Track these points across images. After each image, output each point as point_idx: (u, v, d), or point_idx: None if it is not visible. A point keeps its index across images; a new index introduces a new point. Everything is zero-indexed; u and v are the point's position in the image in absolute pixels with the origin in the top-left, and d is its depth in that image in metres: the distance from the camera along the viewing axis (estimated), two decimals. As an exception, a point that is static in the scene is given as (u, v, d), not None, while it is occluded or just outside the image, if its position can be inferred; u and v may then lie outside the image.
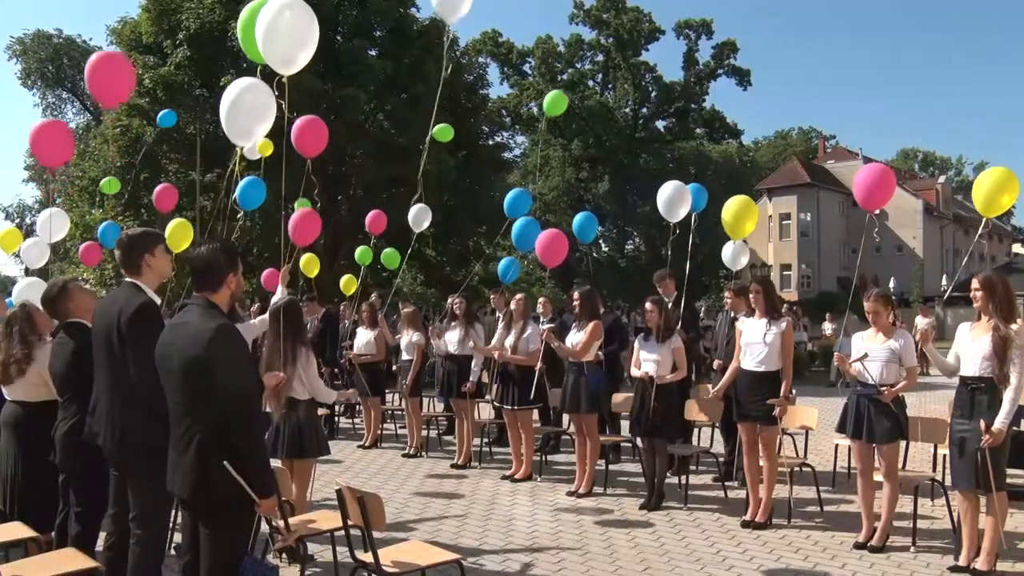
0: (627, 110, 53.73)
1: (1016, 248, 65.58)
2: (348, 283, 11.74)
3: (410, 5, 26.76)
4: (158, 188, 10.73)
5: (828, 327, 24.05)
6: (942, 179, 61.75)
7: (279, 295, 6.04)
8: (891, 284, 39.23)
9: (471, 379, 9.03)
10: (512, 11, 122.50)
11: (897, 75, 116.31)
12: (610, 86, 54.54)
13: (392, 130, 25.03)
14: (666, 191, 8.27)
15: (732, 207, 7.74)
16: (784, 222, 55.38)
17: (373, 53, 25.07)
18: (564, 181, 51.75)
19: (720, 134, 57.42)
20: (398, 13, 25.58)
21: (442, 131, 10.41)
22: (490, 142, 33.23)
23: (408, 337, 10.31)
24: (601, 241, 56.46)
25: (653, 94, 53.80)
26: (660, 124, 56.08)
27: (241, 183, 7.16)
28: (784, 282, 53.70)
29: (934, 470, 7.28)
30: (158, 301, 4.18)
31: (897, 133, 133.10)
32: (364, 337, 10.56)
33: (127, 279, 4.18)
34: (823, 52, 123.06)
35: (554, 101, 9.55)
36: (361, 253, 11.72)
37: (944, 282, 46.14)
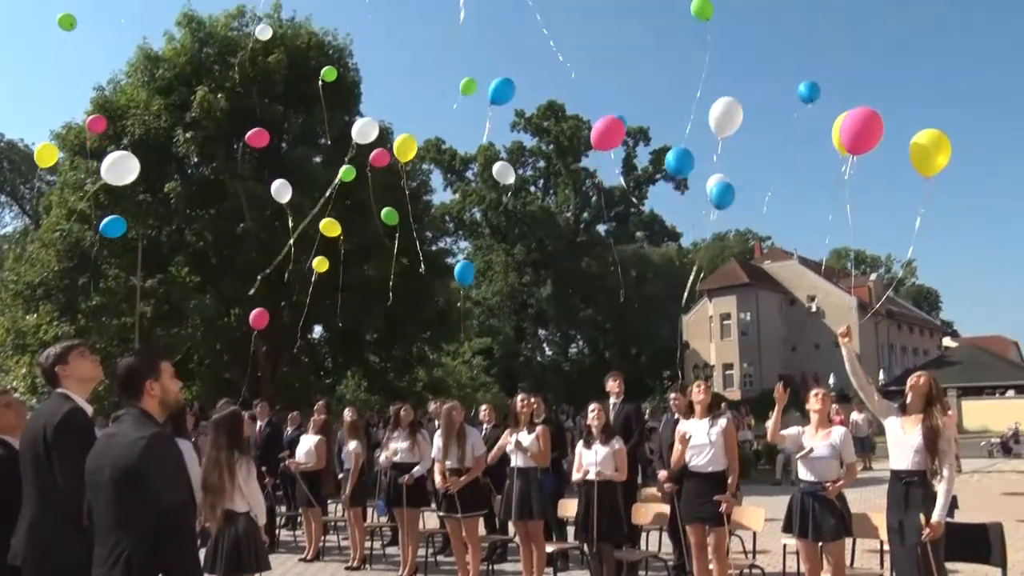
0: (568, 215, 54.90)
1: (946, 341, 67.62)
2: (330, 226, 11.47)
3: (355, 113, 27.29)
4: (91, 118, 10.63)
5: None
6: (873, 276, 63.80)
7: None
8: (831, 380, 39.88)
9: (412, 473, 8.80)
10: (455, 119, 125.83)
11: (827, 177, 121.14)
12: (552, 191, 55.86)
13: (337, 236, 25.12)
14: (717, 108, 6.93)
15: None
16: (725, 322, 56.35)
17: (318, 160, 25.38)
18: (507, 285, 52.23)
19: (660, 237, 58.89)
20: (344, 120, 26.05)
21: (347, 172, 10.71)
22: (433, 247, 33.50)
23: (348, 445, 10.09)
24: (545, 345, 56.74)
25: (593, 199, 55.18)
26: (601, 228, 57.36)
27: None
28: (727, 381, 54.30)
29: (881, 567, 7.27)
30: (89, 410, 4.06)
31: (830, 233, 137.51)
32: (306, 445, 10.32)
33: (56, 390, 4.07)
34: (755, 157, 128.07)
35: (466, 85, 9.51)
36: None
37: (881, 376, 47.13)
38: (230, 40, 24.41)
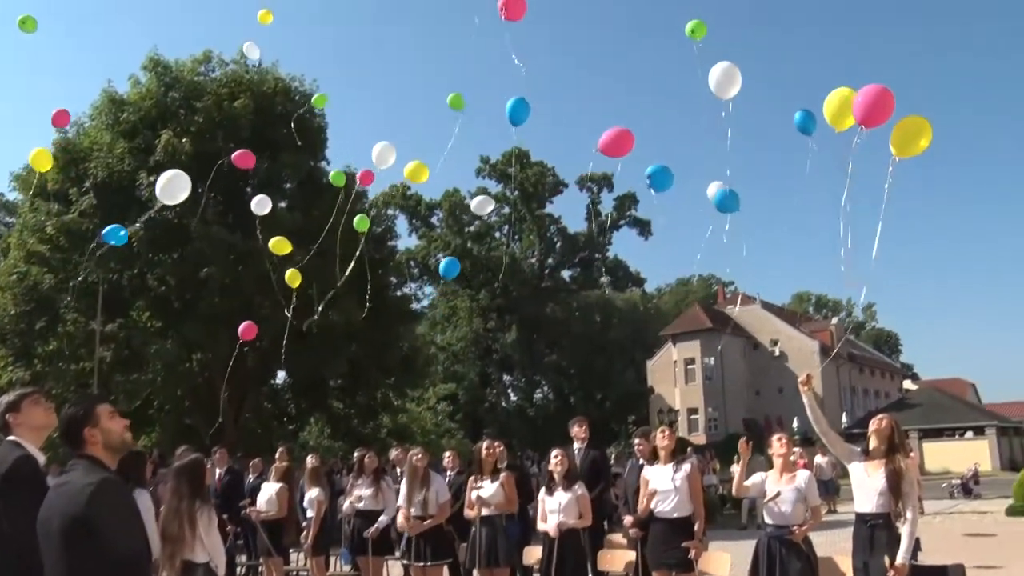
0: (533, 260, 55.17)
1: (907, 384, 68.53)
2: (293, 276, 11.42)
3: (321, 158, 27.33)
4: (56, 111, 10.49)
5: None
6: (835, 320, 64.67)
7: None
8: (795, 424, 40.19)
9: (376, 526, 8.69)
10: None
11: (787, 221, 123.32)
12: (516, 237, 56.15)
13: (300, 282, 24.97)
14: (716, 71, 7.17)
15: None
16: (689, 367, 56.64)
17: (283, 205, 25.29)
18: (472, 331, 52.19)
19: (624, 282, 59.33)
20: (309, 166, 26.06)
21: (336, 176, 10.80)
22: (398, 293, 33.40)
23: (310, 493, 9.92)
24: (510, 391, 56.62)
25: (558, 245, 55.53)
26: (566, 274, 57.68)
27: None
28: (692, 426, 54.43)
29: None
30: (41, 458, 3.97)
31: (792, 277, 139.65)
32: (268, 492, 10.12)
33: (7, 438, 3.99)
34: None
35: (454, 100, 9.56)
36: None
37: (844, 419, 47.55)
38: (196, 84, 24.43)
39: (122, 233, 9.74)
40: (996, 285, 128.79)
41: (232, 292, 22.79)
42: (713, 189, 7.47)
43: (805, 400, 6.00)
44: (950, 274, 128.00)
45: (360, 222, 10.84)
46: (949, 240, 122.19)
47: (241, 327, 11.30)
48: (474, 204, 10.41)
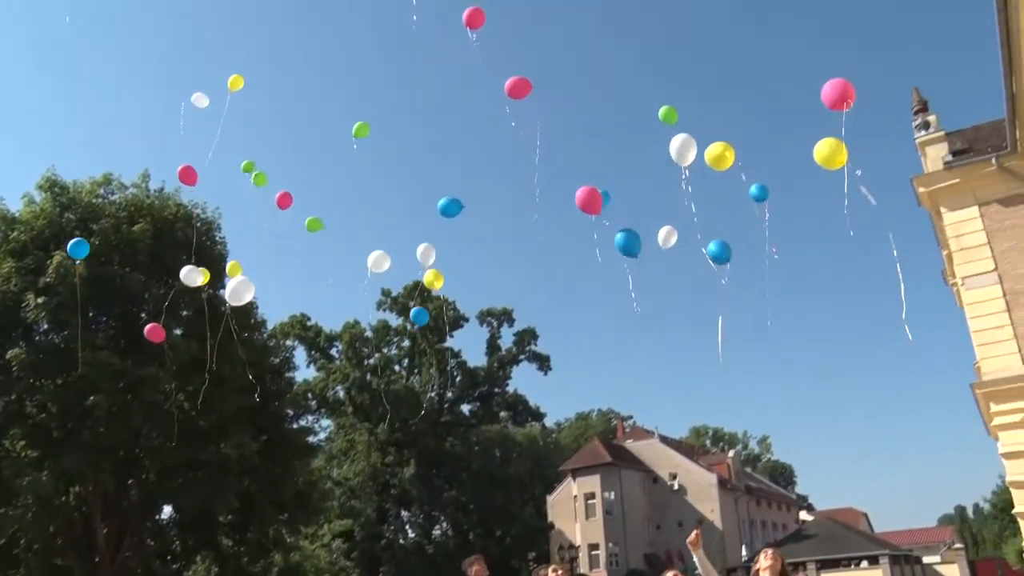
0: (433, 394, 54.72)
1: (803, 515, 69.57)
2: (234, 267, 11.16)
3: (220, 286, 26.85)
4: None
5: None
6: (731, 453, 65.68)
7: None
8: (695, 558, 40.01)
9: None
10: (320, 297, 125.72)
11: (688, 358, 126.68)
12: (416, 371, 55.78)
13: (193, 412, 24.04)
14: (676, 142, 8.12)
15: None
16: (589, 501, 56.16)
17: (179, 332, 24.59)
18: (369, 465, 50.89)
19: (523, 417, 59.26)
20: (206, 292, 25.53)
21: (313, 223, 10.78)
22: (295, 425, 32.45)
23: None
24: (408, 527, 54.92)
25: (458, 378, 55.39)
26: (465, 408, 57.38)
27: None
28: (593, 562, 53.45)
29: None
30: None
31: (689, 411, 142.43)
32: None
33: None
34: (615, 339, 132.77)
35: (359, 128, 9.93)
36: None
37: (744, 552, 47.63)
38: (94, 207, 23.98)
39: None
40: (884, 419, 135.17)
41: (119, 421, 21.73)
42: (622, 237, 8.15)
43: (696, 558, 6.27)
44: (840, 408, 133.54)
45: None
46: (839, 375, 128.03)
47: (148, 328, 11.06)
48: (372, 260, 10.40)
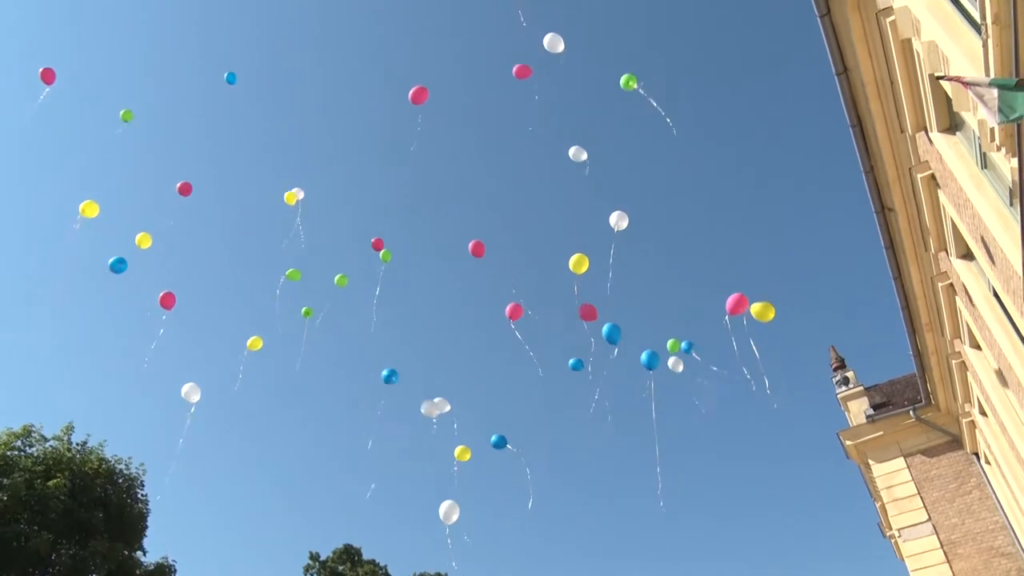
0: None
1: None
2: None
3: (136, 548, 25.32)
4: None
5: None
6: None
7: None
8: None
9: None
10: (246, 551, 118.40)
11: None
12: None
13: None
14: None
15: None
16: None
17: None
18: None
19: None
20: (122, 555, 24.04)
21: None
22: None
23: None
24: None
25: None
26: None
27: None
28: None
29: None
30: None
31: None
32: None
33: None
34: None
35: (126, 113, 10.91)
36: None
37: None
38: (8, 459, 22.88)
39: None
40: None
41: None
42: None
43: None
44: None
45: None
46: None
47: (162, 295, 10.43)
48: (442, 511, 10.30)
